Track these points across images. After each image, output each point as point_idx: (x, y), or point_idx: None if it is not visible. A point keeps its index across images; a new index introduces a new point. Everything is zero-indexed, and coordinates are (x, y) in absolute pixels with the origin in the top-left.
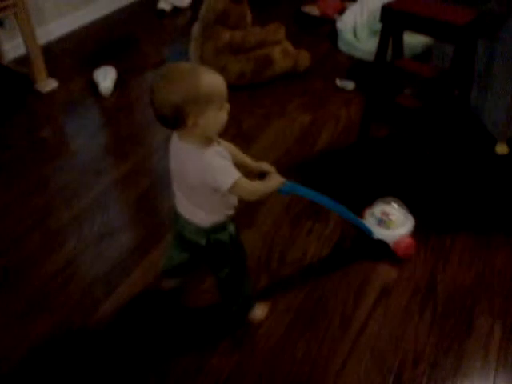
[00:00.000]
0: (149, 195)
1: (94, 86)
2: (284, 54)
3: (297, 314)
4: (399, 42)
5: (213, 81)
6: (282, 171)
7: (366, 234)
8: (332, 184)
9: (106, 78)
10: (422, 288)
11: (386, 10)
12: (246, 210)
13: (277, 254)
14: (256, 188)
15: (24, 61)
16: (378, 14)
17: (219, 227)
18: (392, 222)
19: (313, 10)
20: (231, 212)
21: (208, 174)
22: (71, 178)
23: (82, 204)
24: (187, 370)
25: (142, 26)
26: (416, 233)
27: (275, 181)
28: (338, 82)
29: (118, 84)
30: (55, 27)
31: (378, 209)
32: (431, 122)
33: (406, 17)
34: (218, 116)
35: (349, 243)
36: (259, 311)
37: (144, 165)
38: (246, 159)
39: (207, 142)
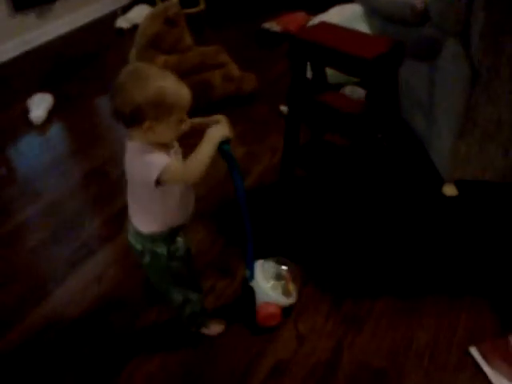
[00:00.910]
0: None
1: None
2: (225, 78)
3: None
4: (320, 74)
5: (180, 91)
6: (202, 210)
7: (247, 270)
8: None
9: (39, 107)
10: (322, 366)
11: (291, 39)
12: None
13: None
14: (189, 164)
15: None
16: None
17: (157, 238)
18: (288, 288)
19: (273, 26)
20: (173, 223)
21: (143, 169)
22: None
23: None
24: None
25: (100, 44)
26: (328, 296)
27: (208, 138)
28: (283, 107)
29: (55, 111)
30: (6, 49)
31: (279, 267)
32: (356, 162)
33: (309, 47)
34: (172, 128)
35: None
36: (214, 327)
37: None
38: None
39: (157, 146)
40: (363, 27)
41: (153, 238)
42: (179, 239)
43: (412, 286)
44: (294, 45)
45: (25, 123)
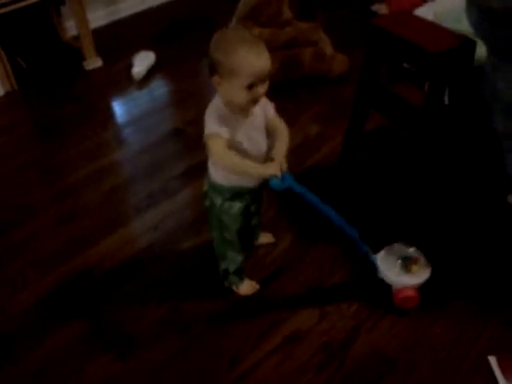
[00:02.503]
0: None
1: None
2: (316, 56)
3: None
4: (395, 65)
5: (249, 59)
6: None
7: (372, 267)
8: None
9: (141, 63)
10: (335, 345)
11: (369, 26)
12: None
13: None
14: (226, 155)
15: None
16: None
17: (216, 188)
18: (416, 268)
19: (381, 8)
20: (234, 183)
21: (204, 117)
22: None
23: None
24: None
25: (216, 9)
26: (354, 283)
27: (261, 168)
28: None
29: (155, 69)
30: (123, 7)
31: (403, 250)
32: (413, 156)
33: (381, 33)
34: (237, 92)
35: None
36: (246, 287)
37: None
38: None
39: (232, 108)
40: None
41: (214, 186)
42: (237, 202)
43: (446, 286)
44: (370, 29)
45: (126, 77)
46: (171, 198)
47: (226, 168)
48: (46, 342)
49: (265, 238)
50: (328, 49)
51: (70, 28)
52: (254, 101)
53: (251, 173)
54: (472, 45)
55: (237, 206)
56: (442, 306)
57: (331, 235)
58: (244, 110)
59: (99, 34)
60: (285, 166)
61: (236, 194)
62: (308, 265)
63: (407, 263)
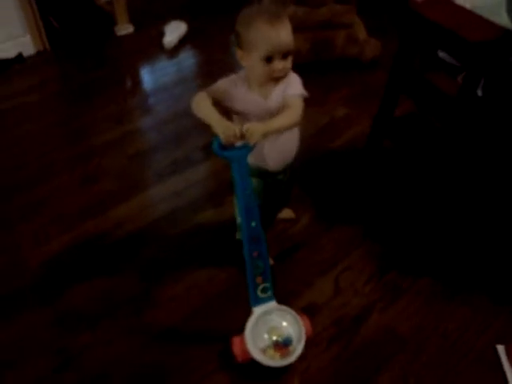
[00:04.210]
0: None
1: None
2: (349, 39)
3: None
4: (430, 53)
5: (264, 31)
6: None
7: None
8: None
9: (172, 33)
10: (347, 320)
11: (405, 10)
12: (219, 192)
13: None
14: (198, 102)
15: None
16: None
17: None
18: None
19: None
20: (250, 160)
21: None
22: None
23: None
24: None
25: None
26: (376, 261)
27: (216, 122)
28: None
29: (187, 40)
30: None
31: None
32: (446, 146)
33: (418, 19)
34: (257, 65)
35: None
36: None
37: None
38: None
39: (254, 81)
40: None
41: None
42: (254, 179)
43: (461, 275)
44: (406, 14)
45: (157, 45)
46: (194, 167)
47: (196, 112)
48: (64, 296)
49: (285, 214)
50: (361, 33)
51: None
52: (272, 76)
53: (206, 120)
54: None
55: (256, 182)
56: (456, 294)
57: (351, 216)
58: (263, 87)
59: (132, 0)
60: (252, 139)
61: (256, 171)
62: (327, 242)
63: (274, 348)
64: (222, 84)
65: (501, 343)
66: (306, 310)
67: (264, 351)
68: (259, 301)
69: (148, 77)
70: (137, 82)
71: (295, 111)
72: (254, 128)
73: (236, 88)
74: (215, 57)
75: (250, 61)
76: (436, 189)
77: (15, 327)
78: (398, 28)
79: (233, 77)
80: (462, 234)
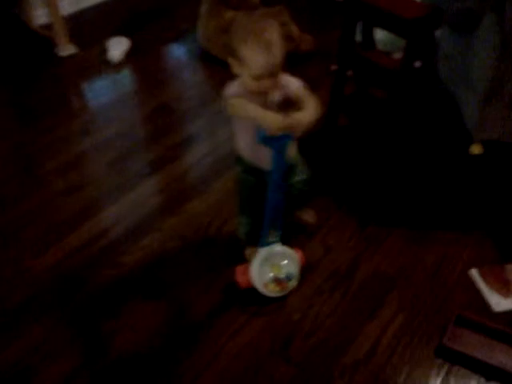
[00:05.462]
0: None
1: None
2: (286, 36)
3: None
4: (368, 33)
5: (254, 55)
6: None
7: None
8: None
9: (116, 47)
10: (342, 271)
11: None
12: (201, 181)
13: (217, 223)
14: (235, 103)
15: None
16: None
17: (238, 159)
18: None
19: None
20: (243, 152)
21: None
22: None
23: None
24: None
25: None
26: (354, 220)
27: (264, 114)
28: (333, 67)
29: (132, 54)
30: None
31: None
32: (393, 114)
33: (360, 6)
34: (247, 78)
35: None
36: (247, 252)
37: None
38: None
39: (251, 90)
40: None
41: (237, 156)
42: (250, 178)
43: (428, 220)
44: (347, 2)
45: (102, 63)
46: (173, 164)
47: (234, 114)
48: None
49: (307, 215)
50: (295, 30)
51: (36, 17)
52: (261, 90)
53: (250, 115)
54: (440, 12)
55: (249, 179)
56: (428, 235)
57: (325, 186)
58: (263, 97)
59: (67, 22)
60: (299, 129)
61: (250, 168)
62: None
63: (275, 282)
64: (234, 90)
65: (474, 267)
66: (303, 268)
67: (266, 285)
68: (266, 244)
69: (103, 91)
70: (92, 96)
71: (314, 102)
72: (301, 119)
73: (244, 96)
74: (159, 66)
75: (242, 72)
76: (388, 149)
77: (34, 333)
78: (341, 15)
79: (235, 86)
80: (420, 184)
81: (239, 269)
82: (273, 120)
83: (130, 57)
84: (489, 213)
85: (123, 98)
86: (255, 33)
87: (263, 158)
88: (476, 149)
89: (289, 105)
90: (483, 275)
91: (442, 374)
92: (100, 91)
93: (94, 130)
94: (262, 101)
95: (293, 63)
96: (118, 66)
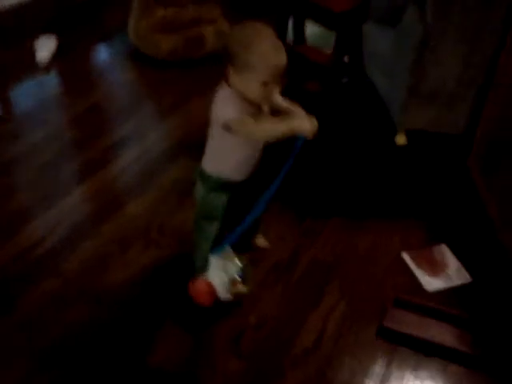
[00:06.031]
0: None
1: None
2: (217, 33)
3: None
4: (300, 28)
5: (263, 55)
6: (191, 145)
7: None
8: None
9: (43, 48)
10: (283, 264)
11: None
12: (139, 180)
13: (157, 224)
14: (259, 125)
15: None
16: None
17: (203, 175)
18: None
19: None
20: (225, 175)
21: (220, 110)
22: None
23: None
24: None
25: None
26: (291, 213)
27: (293, 123)
28: None
29: (60, 55)
30: None
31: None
32: (326, 107)
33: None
34: (251, 87)
35: None
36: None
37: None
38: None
39: (247, 101)
40: None
41: (202, 173)
42: (221, 193)
43: (360, 210)
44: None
45: (32, 62)
46: (105, 167)
47: (262, 139)
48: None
49: (260, 242)
50: (225, 26)
51: None
52: (267, 98)
53: (286, 134)
54: (367, 5)
55: (220, 197)
56: (360, 224)
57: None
58: (255, 105)
59: None
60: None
61: (222, 185)
62: None
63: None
64: (236, 112)
65: (404, 250)
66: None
67: (227, 290)
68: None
69: (32, 92)
70: (21, 99)
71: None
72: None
73: (242, 109)
74: (92, 65)
75: (244, 81)
76: (321, 143)
77: None
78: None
79: (231, 102)
80: (351, 176)
81: (198, 288)
82: (308, 125)
83: (57, 57)
84: (415, 200)
85: (52, 101)
86: (263, 37)
87: (247, 170)
88: (401, 139)
89: (274, 114)
90: (413, 258)
91: (386, 353)
92: (28, 94)
93: (21, 135)
94: (255, 111)
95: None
96: (45, 68)
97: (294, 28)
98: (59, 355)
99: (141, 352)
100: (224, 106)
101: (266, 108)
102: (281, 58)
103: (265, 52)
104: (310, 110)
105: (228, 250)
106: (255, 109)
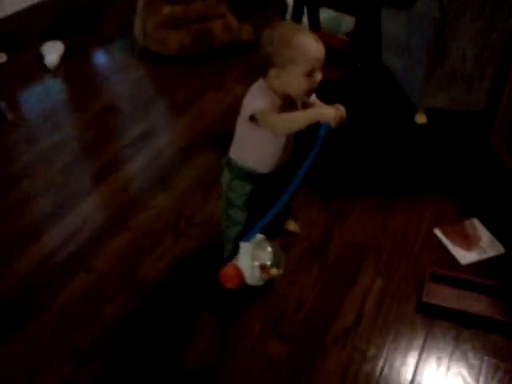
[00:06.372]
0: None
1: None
2: (225, 27)
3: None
4: (314, 14)
5: (305, 45)
6: (210, 139)
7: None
8: None
9: (52, 52)
10: (316, 246)
11: None
12: (163, 175)
13: (186, 216)
14: (281, 117)
15: None
16: None
17: (230, 163)
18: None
19: None
20: (250, 166)
21: (249, 102)
22: None
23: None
24: None
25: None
26: (319, 196)
27: (315, 112)
28: None
29: (66, 58)
30: (12, 2)
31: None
32: (348, 92)
33: None
34: (296, 81)
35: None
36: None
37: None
38: None
39: (283, 99)
40: None
41: (229, 161)
42: (246, 182)
43: (387, 189)
44: None
45: (38, 69)
46: (126, 166)
47: (286, 130)
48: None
49: (291, 226)
50: (233, 20)
51: None
52: (311, 89)
53: (309, 122)
54: None
55: (242, 187)
56: (390, 203)
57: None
58: (296, 103)
59: None
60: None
61: (246, 174)
62: None
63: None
64: (264, 104)
65: (437, 226)
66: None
67: (256, 276)
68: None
69: (30, 104)
70: (32, 103)
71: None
72: (343, 111)
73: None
74: (99, 70)
75: (289, 77)
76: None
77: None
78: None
79: (265, 98)
80: (377, 156)
81: (225, 271)
82: (332, 113)
83: (64, 61)
84: (442, 176)
85: (63, 104)
86: (299, 31)
87: (271, 164)
88: (420, 118)
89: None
90: (446, 233)
91: (426, 328)
92: (38, 98)
93: (39, 138)
94: (286, 107)
95: (235, 53)
96: (54, 72)
97: (308, 14)
98: (97, 352)
99: (180, 343)
100: (253, 99)
101: (299, 104)
102: (320, 48)
103: (305, 44)
104: (328, 97)
105: (259, 236)
106: (287, 104)
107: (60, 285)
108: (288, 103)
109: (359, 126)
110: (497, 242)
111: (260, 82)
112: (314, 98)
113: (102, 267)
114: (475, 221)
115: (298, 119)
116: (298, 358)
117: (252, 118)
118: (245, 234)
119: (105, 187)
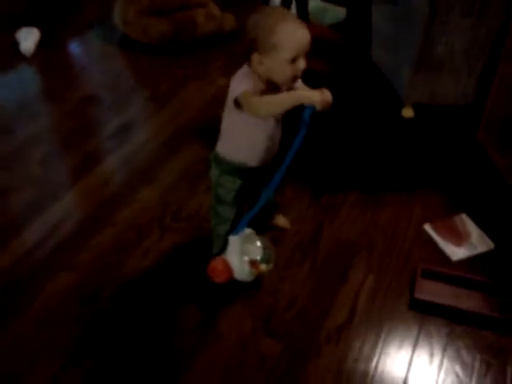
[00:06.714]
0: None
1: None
2: (208, 16)
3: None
4: (303, 4)
5: (289, 32)
6: (193, 131)
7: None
8: None
9: (27, 39)
10: (306, 242)
11: None
12: (147, 168)
13: (172, 210)
14: (262, 100)
15: None
16: None
17: (217, 158)
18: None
19: None
20: (239, 159)
21: (233, 87)
22: None
23: None
24: None
25: None
26: (308, 191)
27: (296, 93)
28: None
29: (43, 46)
30: None
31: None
32: (337, 84)
33: None
34: (280, 67)
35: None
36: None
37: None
38: None
39: (267, 85)
40: None
41: (216, 156)
42: (235, 177)
43: (376, 184)
44: None
45: (15, 54)
46: (109, 158)
47: (268, 113)
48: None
49: (280, 221)
50: (216, 9)
51: None
52: (295, 76)
53: (290, 105)
54: None
55: (234, 181)
56: (379, 198)
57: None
58: (281, 89)
59: None
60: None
61: (235, 169)
62: None
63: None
64: (248, 88)
65: (426, 222)
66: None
67: (244, 271)
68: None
69: (20, 85)
70: (9, 91)
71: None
72: (328, 94)
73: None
74: (78, 58)
75: (273, 64)
76: (332, 121)
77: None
78: None
79: (249, 83)
80: (365, 151)
81: (212, 265)
82: (317, 96)
83: (41, 48)
84: (431, 171)
85: (42, 93)
86: (285, 18)
87: (259, 156)
88: (407, 112)
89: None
90: (436, 229)
91: (418, 324)
92: (14, 87)
93: (14, 130)
94: (270, 91)
95: (218, 43)
96: (30, 60)
97: (296, 5)
98: (84, 351)
99: (169, 341)
100: (237, 83)
101: (284, 90)
102: (305, 35)
103: (290, 30)
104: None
105: (248, 230)
106: (271, 89)
107: (43, 282)
108: (272, 88)
109: (346, 120)
110: (486, 238)
111: (245, 68)
112: (299, 83)
113: (85, 263)
114: (464, 216)
115: (282, 101)
116: (291, 356)
117: (236, 103)
118: (232, 229)
119: (86, 180)
